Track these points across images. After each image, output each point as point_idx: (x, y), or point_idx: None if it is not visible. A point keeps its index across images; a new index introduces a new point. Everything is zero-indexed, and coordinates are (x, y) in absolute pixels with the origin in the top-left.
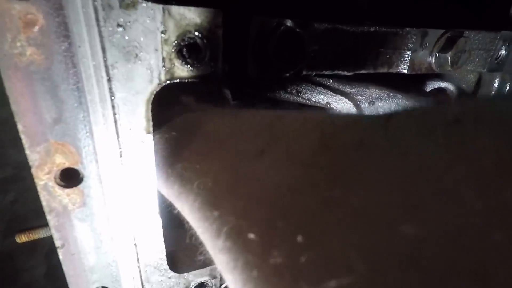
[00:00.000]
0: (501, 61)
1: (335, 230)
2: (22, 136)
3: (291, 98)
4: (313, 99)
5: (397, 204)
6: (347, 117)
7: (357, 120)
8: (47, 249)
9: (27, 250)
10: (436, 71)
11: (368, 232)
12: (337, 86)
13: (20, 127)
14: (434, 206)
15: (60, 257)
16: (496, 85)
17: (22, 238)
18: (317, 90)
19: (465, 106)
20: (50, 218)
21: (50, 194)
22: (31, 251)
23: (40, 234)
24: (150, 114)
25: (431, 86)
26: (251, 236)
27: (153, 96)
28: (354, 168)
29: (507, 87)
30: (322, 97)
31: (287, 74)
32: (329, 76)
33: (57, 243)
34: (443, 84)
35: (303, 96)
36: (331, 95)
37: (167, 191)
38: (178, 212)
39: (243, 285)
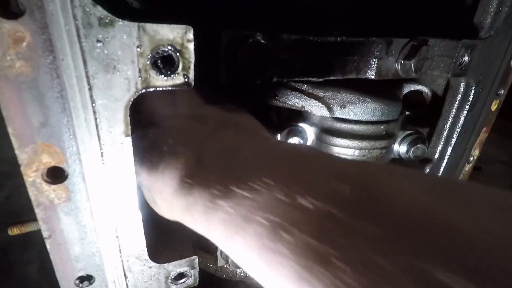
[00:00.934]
0: (465, 66)
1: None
2: (12, 138)
3: (269, 101)
4: (289, 102)
5: None
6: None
7: None
8: (41, 245)
9: (21, 246)
10: (402, 76)
11: None
12: (310, 91)
13: (10, 130)
14: None
15: (48, 247)
16: (462, 89)
17: (14, 231)
18: (292, 94)
19: None
20: (38, 211)
21: (38, 189)
22: (25, 246)
23: (31, 227)
24: (128, 118)
25: (407, 88)
26: None
27: (130, 102)
28: None
29: (472, 91)
30: (297, 100)
31: (258, 82)
32: (304, 81)
33: (45, 234)
34: (418, 87)
35: (279, 99)
36: (305, 99)
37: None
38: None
39: None
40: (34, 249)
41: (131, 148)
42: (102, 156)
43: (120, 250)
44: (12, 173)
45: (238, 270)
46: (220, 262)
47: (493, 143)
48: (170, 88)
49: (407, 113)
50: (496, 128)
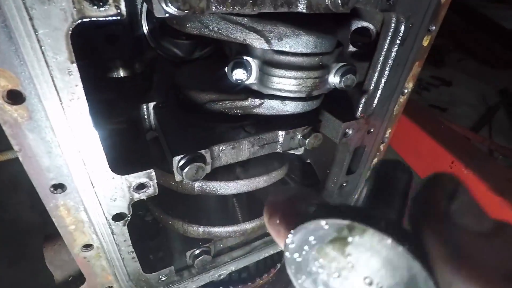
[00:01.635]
0: (393, 2)
1: None
2: None
3: (214, 35)
4: (232, 35)
5: None
6: None
7: None
8: (29, 187)
9: (11, 189)
10: (333, 10)
11: None
12: (250, 24)
13: None
14: None
15: (21, 159)
16: (393, 24)
17: None
18: (234, 27)
19: None
20: (5, 128)
21: (1, 109)
22: (14, 189)
23: (8, 155)
24: (71, 47)
25: (355, 25)
26: None
27: (70, 32)
28: None
29: (402, 26)
30: (239, 34)
31: (186, 11)
32: (245, 15)
33: (15, 148)
34: (364, 24)
35: (222, 33)
36: (246, 32)
37: None
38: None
39: None
40: (24, 192)
41: (78, 72)
42: (53, 80)
43: (84, 163)
44: None
45: (196, 184)
46: (177, 177)
47: (465, 86)
48: (104, 19)
49: (354, 48)
50: (470, 71)
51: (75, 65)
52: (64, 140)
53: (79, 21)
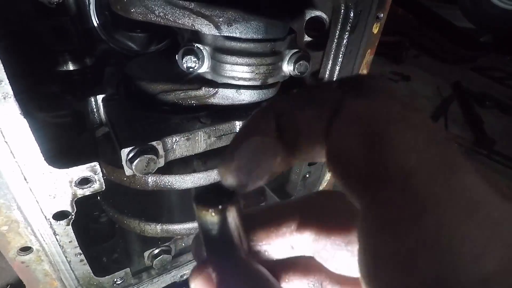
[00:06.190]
0: None
1: None
2: None
3: (162, 21)
4: (179, 21)
5: None
6: None
7: None
8: None
9: None
10: None
11: None
12: (198, 9)
13: None
14: None
15: None
16: (342, 10)
17: None
18: (181, 12)
19: None
20: None
21: None
22: None
23: None
24: None
25: (308, 14)
26: None
27: None
28: None
29: (352, 13)
30: (187, 19)
31: None
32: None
33: None
34: (317, 13)
35: (169, 18)
36: (193, 17)
37: None
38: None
39: None
40: None
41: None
42: None
43: (13, 156)
44: None
45: (150, 179)
46: (128, 172)
47: (422, 80)
48: None
49: (309, 38)
50: (425, 66)
51: None
52: None
53: None
